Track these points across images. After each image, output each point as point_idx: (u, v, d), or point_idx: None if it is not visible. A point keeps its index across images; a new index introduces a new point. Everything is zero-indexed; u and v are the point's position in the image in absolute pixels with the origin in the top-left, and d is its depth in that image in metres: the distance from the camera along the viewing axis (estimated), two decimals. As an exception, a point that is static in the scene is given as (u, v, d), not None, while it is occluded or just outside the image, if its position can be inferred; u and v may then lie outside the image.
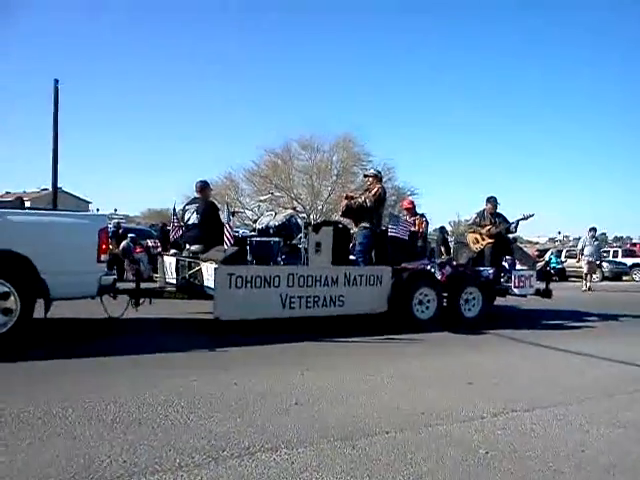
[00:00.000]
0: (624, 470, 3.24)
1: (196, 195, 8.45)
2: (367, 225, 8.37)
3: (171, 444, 3.26)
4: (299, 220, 8.38)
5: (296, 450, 3.28)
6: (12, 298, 5.49)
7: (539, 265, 13.72)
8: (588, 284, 17.40)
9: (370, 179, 8.90)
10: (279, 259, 7.71)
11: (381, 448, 3.38)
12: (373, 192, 8.46)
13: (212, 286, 6.74)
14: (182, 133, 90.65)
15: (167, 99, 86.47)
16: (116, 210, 60.00)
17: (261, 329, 7.14)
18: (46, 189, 44.08)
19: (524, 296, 9.67)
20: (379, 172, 9.37)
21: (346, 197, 8.83)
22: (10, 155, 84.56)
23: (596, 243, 17.84)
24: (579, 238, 25.05)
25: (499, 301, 10.08)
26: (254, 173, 32.11)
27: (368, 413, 4.06)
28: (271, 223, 8.44)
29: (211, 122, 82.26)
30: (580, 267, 19.08)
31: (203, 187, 8.40)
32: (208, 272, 7.05)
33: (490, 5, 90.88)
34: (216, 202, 8.98)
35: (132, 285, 7.35)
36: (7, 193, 55.62)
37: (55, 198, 12.06)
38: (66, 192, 42.86)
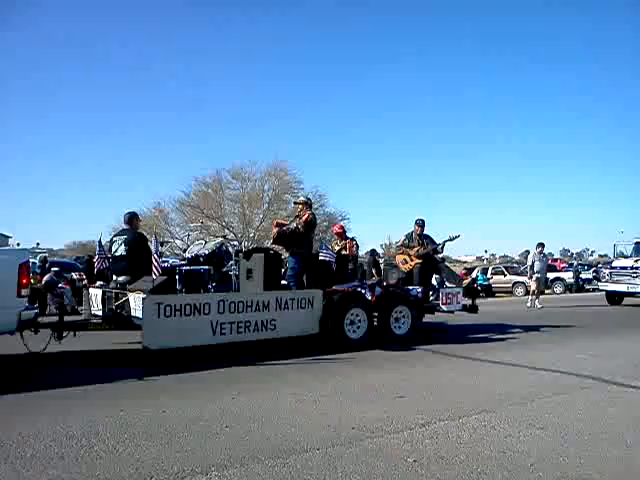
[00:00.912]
0: (543, 467, 3.42)
1: (124, 226, 8.30)
2: (298, 250, 8.48)
3: (95, 475, 3.17)
4: (230, 248, 8.38)
5: (227, 471, 3.27)
6: None
7: (465, 282, 14.21)
8: (536, 301, 16.47)
9: (300, 206, 9.03)
10: (210, 287, 7.66)
11: (312, 464, 3.41)
12: (304, 218, 8.61)
13: (140, 316, 6.60)
14: (109, 163, 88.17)
15: (90, 127, 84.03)
16: (38, 244, 57.43)
17: (193, 356, 7.04)
18: (-39, 225, 41.64)
19: (452, 312, 9.98)
20: (309, 199, 9.54)
21: (277, 224, 8.92)
22: None
23: (544, 259, 17.18)
24: (505, 256, 25.93)
25: (429, 318, 10.35)
26: (184, 203, 31.64)
27: (300, 431, 4.08)
28: (201, 252, 8.39)
29: (138, 151, 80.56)
30: (528, 283, 18.92)
31: (131, 218, 8.26)
32: (136, 302, 6.91)
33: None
34: (144, 233, 8.83)
35: (55, 319, 7.07)
36: None
37: None
38: (-16, 227, 40.75)
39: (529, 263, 17.06)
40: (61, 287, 14.45)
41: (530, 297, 17.03)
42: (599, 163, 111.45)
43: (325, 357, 7.34)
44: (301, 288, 8.33)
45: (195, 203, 31.45)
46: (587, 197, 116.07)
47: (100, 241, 8.86)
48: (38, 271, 15.45)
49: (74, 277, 14.85)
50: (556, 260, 39.52)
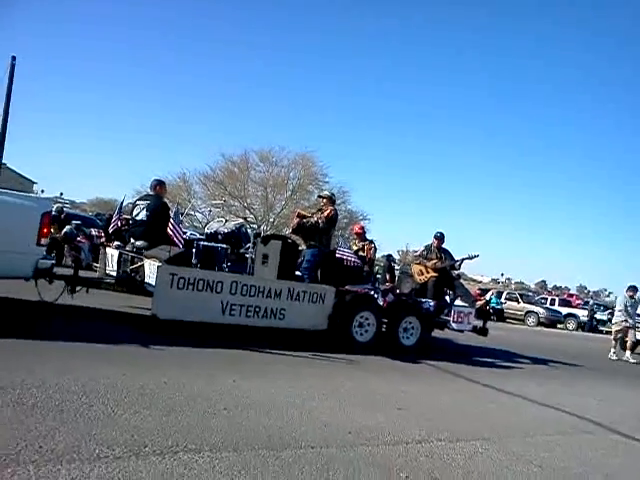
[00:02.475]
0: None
1: (149, 192, 8.29)
2: (316, 244, 8.43)
3: (92, 434, 3.17)
4: (249, 230, 8.35)
5: (220, 454, 3.24)
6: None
7: (479, 303, 14.02)
8: (628, 353, 13.45)
9: (324, 200, 8.99)
10: (224, 266, 7.65)
11: (305, 462, 3.37)
12: (326, 213, 8.56)
13: (153, 283, 6.61)
14: (142, 125, 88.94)
15: (131, 88, 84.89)
16: (62, 194, 58.06)
17: (197, 332, 7.03)
18: (-12, 162, 42.10)
19: (461, 331, 9.88)
20: (333, 195, 9.49)
21: (298, 215, 8.88)
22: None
23: (636, 305, 13.86)
24: (521, 282, 25.38)
25: (437, 333, 10.27)
26: (209, 177, 31.71)
27: (296, 427, 4.05)
28: (220, 229, 8.38)
29: (171, 118, 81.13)
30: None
31: (158, 185, 8.24)
32: (150, 269, 6.92)
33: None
34: (168, 202, 8.83)
35: (70, 271, 7.11)
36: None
37: None
38: (10, 169, 41.19)
39: (619, 307, 14.16)
40: (80, 241, 14.56)
41: (615, 347, 13.85)
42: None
43: (330, 355, 7.29)
44: (315, 282, 8.29)
45: (219, 179, 31.50)
46: (612, 237, 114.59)
47: (122, 202, 8.88)
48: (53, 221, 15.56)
49: (93, 233, 14.91)
50: (572, 296, 39.05)
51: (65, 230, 14.59)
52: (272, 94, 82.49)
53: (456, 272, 10.69)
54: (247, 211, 29.46)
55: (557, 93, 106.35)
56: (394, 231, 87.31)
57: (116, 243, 8.60)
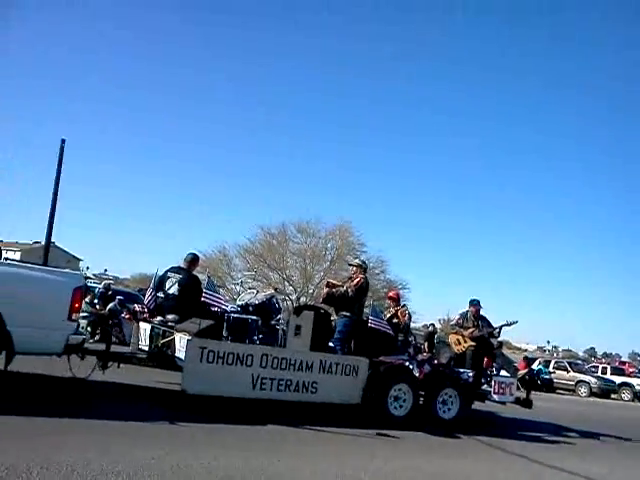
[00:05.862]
0: None
1: (181, 265, 8.39)
2: (347, 314, 8.29)
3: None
4: (279, 301, 8.30)
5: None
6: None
7: (521, 373, 13.44)
8: None
9: (354, 268, 8.90)
10: (255, 338, 7.58)
11: None
12: (355, 282, 8.45)
13: (183, 357, 6.57)
14: (180, 201, 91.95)
15: (173, 164, 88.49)
16: (106, 270, 59.77)
17: (229, 406, 6.88)
18: (38, 242, 43.80)
19: (503, 403, 9.42)
20: (364, 262, 9.42)
21: (327, 285, 8.82)
22: (6, 203, 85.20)
23: None
24: (568, 350, 24.28)
25: (478, 406, 9.81)
26: (248, 250, 32.11)
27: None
28: (251, 301, 8.36)
29: (207, 193, 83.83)
30: None
31: (192, 260, 8.34)
32: (180, 343, 6.90)
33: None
34: (200, 276, 8.90)
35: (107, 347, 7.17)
36: (-1, 242, 55.73)
37: (47, 253, 11.98)
38: (58, 247, 42.79)
39: None
40: (123, 317, 14.73)
41: None
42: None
43: (365, 431, 7.00)
44: (347, 354, 8.10)
45: (259, 252, 31.86)
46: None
47: (155, 275, 8.97)
48: (100, 298, 15.87)
49: (137, 309, 15.14)
50: (624, 363, 37.13)
51: (109, 306, 14.84)
52: (305, 165, 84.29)
53: (498, 340, 10.35)
54: (286, 282, 29.49)
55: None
56: (435, 299, 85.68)
57: (158, 318, 8.59)
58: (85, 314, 13.61)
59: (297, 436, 6.27)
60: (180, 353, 6.81)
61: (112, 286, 19.63)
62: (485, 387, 9.16)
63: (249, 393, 6.92)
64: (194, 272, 8.28)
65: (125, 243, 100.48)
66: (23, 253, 48.06)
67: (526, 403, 9.67)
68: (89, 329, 13.66)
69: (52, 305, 5.94)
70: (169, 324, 7.65)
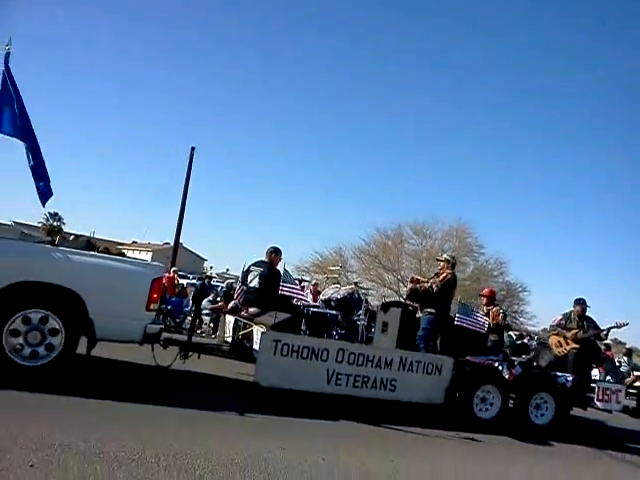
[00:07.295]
0: None
1: (264, 259, 8.47)
2: (432, 311, 7.94)
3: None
4: (361, 296, 8.15)
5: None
6: (59, 335, 5.63)
7: (629, 380, 12.20)
8: None
9: (442, 263, 8.52)
10: (334, 332, 7.48)
11: None
12: (441, 277, 8.09)
13: (257, 349, 6.61)
14: (298, 202, 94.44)
15: (295, 172, 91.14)
16: (228, 270, 62.36)
17: (303, 401, 6.83)
18: (167, 243, 46.75)
19: (609, 411, 8.60)
20: (453, 257, 8.96)
21: (412, 280, 8.50)
22: (143, 208, 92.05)
23: None
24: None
25: (579, 413, 9.03)
26: (364, 251, 32.26)
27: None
28: (333, 296, 8.29)
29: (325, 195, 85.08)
30: None
31: (273, 253, 8.41)
32: (257, 335, 6.95)
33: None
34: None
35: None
36: (134, 242, 60.45)
37: (175, 253, 12.66)
38: (185, 248, 45.51)
39: None
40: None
41: None
42: None
43: (448, 433, 6.72)
44: (432, 352, 7.76)
45: (374, 253, 31.84)
46: None
47: (243, 270, 9.11)
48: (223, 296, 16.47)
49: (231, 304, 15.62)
50: None
51: (231, 305, 15.43)
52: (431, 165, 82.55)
53: (604, 343, 9.50)
54: (400, 284, 29.18)
55: None
56: (557, 303, 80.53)
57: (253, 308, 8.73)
58: (207, 311, 14.49)
59: (371, 434, 6.10)
60: (256, 345, 6.87)
61: (234, 285, 20.48)
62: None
63: (323, 388, 6.80)
64: (276, 265, 8.33)
65: (246, 244, 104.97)
66: (154, 253, 51.58)
67: (637, 412, 8.76)
68: (211, 325, 14.30)
69: (132, 295, 6.15)
70: (250, 317, 7.77)
